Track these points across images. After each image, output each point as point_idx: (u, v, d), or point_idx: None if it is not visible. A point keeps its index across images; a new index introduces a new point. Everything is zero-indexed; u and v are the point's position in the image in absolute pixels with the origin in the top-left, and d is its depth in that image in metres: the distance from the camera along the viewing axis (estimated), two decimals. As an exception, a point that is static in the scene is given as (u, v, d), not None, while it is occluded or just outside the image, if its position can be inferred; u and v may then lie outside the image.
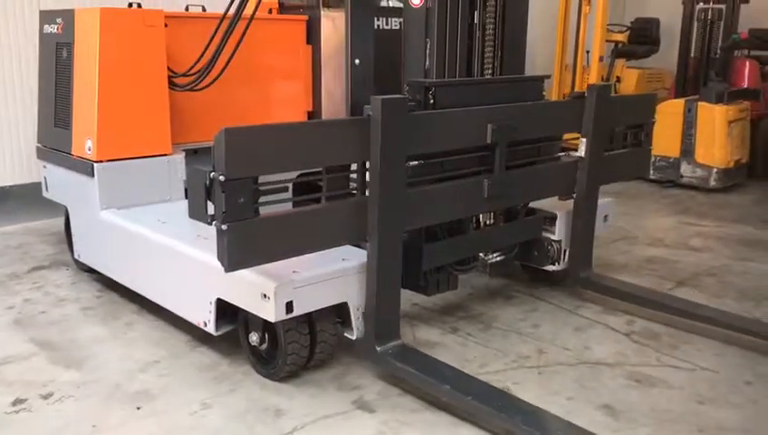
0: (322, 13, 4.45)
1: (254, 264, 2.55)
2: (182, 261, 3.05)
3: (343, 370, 2.97)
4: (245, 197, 2.37)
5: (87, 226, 3.75)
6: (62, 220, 4.22)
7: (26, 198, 4.94)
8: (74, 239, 3.93)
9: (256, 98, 4.41)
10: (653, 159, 6.56)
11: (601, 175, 3.66)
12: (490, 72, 3.35)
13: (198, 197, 2.38)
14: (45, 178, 4.09)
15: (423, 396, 2.75)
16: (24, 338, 3.24)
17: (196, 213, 2.41)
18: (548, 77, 3.55)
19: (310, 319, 2.83)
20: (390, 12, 4.50)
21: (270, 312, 2.63)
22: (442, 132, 2.95)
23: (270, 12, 4.67)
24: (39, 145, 4.10)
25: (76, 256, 3.94)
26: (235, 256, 2.41)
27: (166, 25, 3.75)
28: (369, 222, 2.76)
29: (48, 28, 3.93)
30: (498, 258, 3.55)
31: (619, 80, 8.43)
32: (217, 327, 2.95)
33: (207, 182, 2.35)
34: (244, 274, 2.68)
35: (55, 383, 2.83)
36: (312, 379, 2.90)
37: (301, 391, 2.81)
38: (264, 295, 2.63)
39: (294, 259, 2.74)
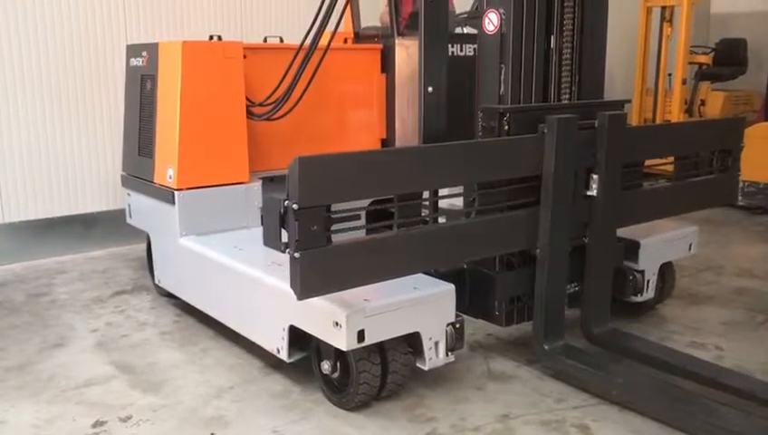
0: (397, 41, 4.49)
1: (326, 292, 2.55)
2: (256, 287, 3.08)
3: (416, 401, 2.92)
4: (318, 224, 2.38)
5: (167, 252, 3.85)
6: (144, 246, 4.35)
7: (112, 225, 5.13)
8: (155, 265, 4.04)
9: (332, 126, 4.47)
10: (741, 185, 6.28)
11: (619, 215, 3.24)
12: (567, 97, 3.26)
13: (273, 225, 2.40)
14: (129, 205, 4.24)
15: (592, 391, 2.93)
16: (105, 361, 3.33)
17: (271, 241, 2.44)
18: (628, 101, 3.43)
19: (381, 348, 2.80)
20: (464, 38, 4.49)
21: (342, 340, 2.62)
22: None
23: (345, 41, 4.74)
24: (123, 173, 4.26)
25: (156, 282, 4.05)
26: (308, 283, 2.41)
27: (244, 57, 3.85)
28: (541, 230, 2.99)
29: (134, 61, 4.09)
30: (576, 288, 3.44)
31: (703, 103, 8.15)
32: (290, 354, 2.95)
33: (282, 210, 2.37)
34: (317, 301, 2.67)
35: (134, 407, 2.89)
36: (383, 409, 2.85)
37: (372, 421, 2.77)
38: (336, 323, 2.62)
39: (366, 288, 2.74)
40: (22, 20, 4.82)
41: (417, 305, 2.79)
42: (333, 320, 2.63)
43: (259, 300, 3.08)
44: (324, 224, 2.40)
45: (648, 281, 3.64)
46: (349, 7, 4.72)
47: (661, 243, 3.69)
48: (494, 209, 2.98)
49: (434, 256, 2.79)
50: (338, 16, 3.77)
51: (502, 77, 3.02)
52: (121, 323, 3.80)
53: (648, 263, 3.61)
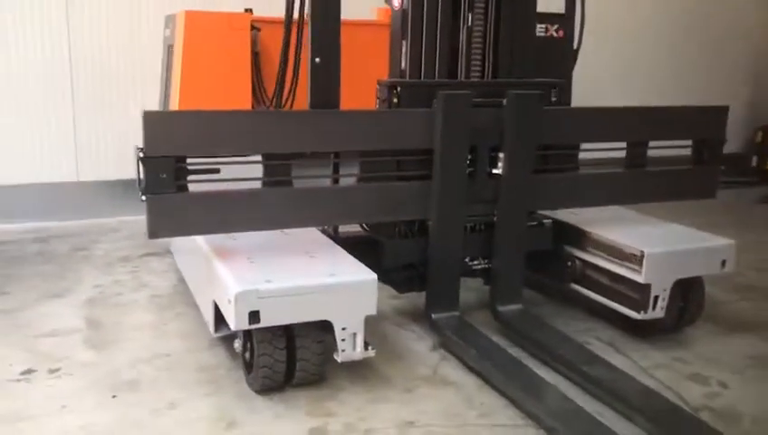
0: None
1: (176, 234, 2.86)
2: (201, 257, 3.06)
3: (329, 394, 2.74)
4: (167, 173, 2.59)
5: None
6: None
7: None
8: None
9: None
10: None
11: (531, 197, 3.24)
12: (479, 75, 3.16)
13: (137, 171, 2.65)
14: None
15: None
16: (81, 315, 3.47)
17: (138, 185, 2.66)
18: (561, 81, 3.27)
19: (290, 333, 2.67)
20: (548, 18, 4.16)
21: (231, 318, 2.53)
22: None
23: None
24: (155, 142, 4.41)
25: (170, 248, 4.19)
26: (155, 225, 2.63)
27: (259, 30, 3.82)
28: (432, 202, 3.06)
29: (166, 31, 4.22)
30: (485, 265, 3.35)
31: None
32: (216, 329, 2.90)
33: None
34: (225, 276, 2.62)
35: (68, 361, 2.99)
36: (290, 397, 2.71)
37: (269, 407, 2.64)
38: (229, 301, 2.53)
39: (279, 268, 2.66)
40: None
41: (329, 293, 2.61)
42: (227, 297, 2.54)
43: (202, 270, 3.05)
44: (174, 173, 2.60)
45: (657, 297, 3.14)
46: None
47: (677, 255, 3.17)
48: (379, 178, 3.03)
49: (306, 216, 2.91)
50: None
51: (402, 52, 3.05)
52: (126, 282, 3.96)
53: (656, 277, 3.11)
